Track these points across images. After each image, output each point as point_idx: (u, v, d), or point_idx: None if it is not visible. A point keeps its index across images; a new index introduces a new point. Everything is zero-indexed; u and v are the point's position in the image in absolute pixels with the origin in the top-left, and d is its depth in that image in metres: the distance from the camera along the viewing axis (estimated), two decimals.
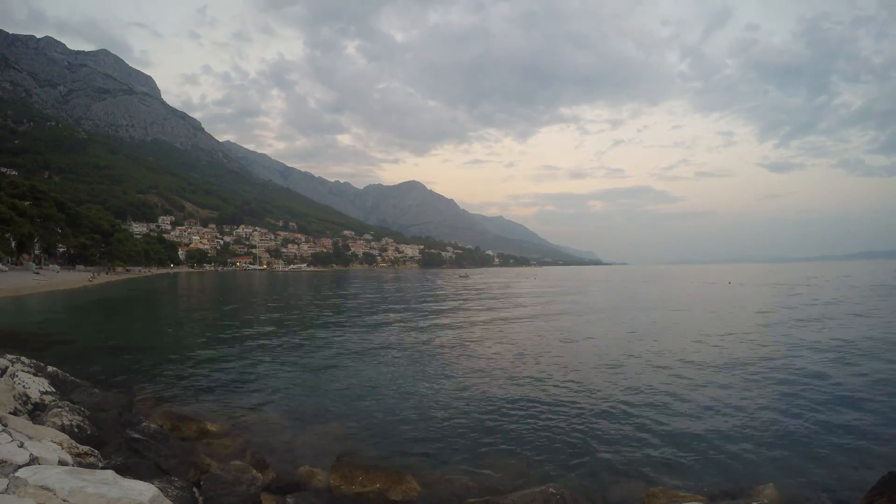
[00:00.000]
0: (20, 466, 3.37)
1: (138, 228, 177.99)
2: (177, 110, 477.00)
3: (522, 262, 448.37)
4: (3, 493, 2.99)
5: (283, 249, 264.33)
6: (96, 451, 4.94)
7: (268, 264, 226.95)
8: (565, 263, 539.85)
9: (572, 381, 11.32)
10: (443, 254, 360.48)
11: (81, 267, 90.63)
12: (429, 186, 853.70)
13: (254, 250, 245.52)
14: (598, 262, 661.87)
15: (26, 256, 76.19)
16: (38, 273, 61.66)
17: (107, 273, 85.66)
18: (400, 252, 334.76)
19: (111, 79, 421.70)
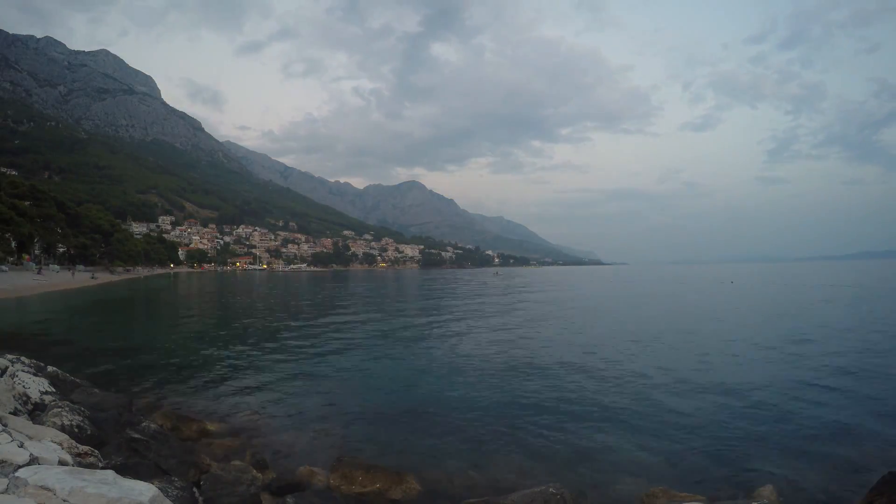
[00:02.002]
0: (20, 466, 3.37)
1: (138, 228, 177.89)
2: (177, 110, 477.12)
3: (523, 262, 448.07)
4: (3, 493, 2.99)
5: (283, 249, 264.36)
6: (96, 451, 4.94)
7: (268, 264, 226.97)
8: (565, 263, 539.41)
9: (572, 382, 11.31)
10: (443, 254, 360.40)
11: (81, 267, 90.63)
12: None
13: (254, 250, 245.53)
14: (598, 262, 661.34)
15: (27, 256, 75.97)
16: (39, 274, 61.42)
17: (111, 274, 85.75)
18: (400, 252, 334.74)
19: (111, 79, 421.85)
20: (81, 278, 64.98)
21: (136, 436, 5.75)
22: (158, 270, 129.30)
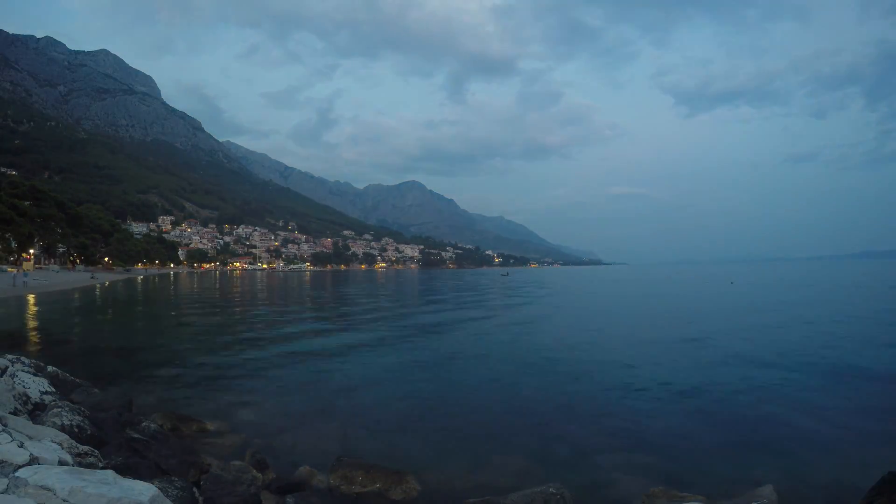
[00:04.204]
0: (20, 466, 3.37)
1: (138, 228, 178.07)
2: (177, 110, 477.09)
3: (522, 261, 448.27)
4: (3, 493, 2.99)
5: (283, 249, 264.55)
6: (96, 451, 4.94)
7: (268, 264, 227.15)
8: (565, 263, 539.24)
9: (572, 382, 11.32)
10: (443, 254, 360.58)
11: (81, 267, 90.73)
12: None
13: (254, 250, 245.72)
14: (598, 262, 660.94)
15: (27, 256, 75.83)
16: (25, 276, 52.27)
17: (111, 273, 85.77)
18: (400, 252, 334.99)
19: (111, 79, 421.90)
20: (81, 278, 64.99)
21: (136, 436, 5.75)
22: (158, 270, 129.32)
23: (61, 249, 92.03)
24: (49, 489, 3.02)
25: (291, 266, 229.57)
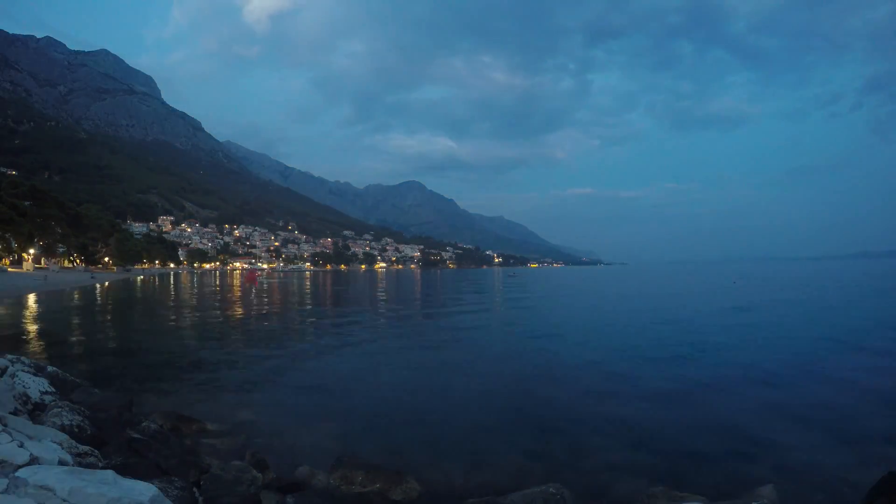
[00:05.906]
0: (20, 466, 3.37)
1: (138, 228, 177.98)
2: (176, 110, 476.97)
3: (522, 261, 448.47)
4: (3, 492, 2.99)
5: (284, 249, 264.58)
6: (96, 451, 4.94)
7: (268, 264, 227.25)
8: (565, 263, 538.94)
9: (572, 382, 11.32)
10: (443, 254, 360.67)
11: (81, 267, 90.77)
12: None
13: (254, 250, 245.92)
14: (598, 262, 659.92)
15: (26, 256, 75.71)
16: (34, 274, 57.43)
17: (111, 273, 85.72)
18: (400, 252, 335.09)
19: (111, 79, 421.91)
20: (80, 278, 64.97)
21: (136, 436, 5.75)
22: (159, 270, 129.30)
23: (61, 249, 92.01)
24: (49, 489, 3.02)
25: (291, 266, 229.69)
